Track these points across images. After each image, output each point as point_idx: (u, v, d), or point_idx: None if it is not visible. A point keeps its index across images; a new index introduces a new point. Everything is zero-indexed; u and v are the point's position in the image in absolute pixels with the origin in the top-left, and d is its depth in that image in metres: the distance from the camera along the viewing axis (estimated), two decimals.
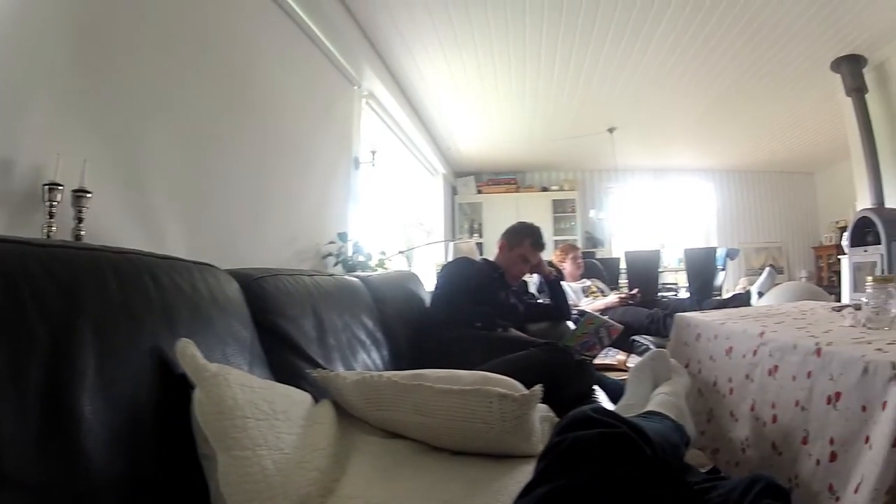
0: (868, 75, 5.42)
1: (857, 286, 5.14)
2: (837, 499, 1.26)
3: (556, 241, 8.35)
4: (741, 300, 4.49)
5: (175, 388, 0.98)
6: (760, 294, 4.47)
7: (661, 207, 10.21)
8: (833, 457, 1.30)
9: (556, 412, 1.54)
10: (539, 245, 3.08)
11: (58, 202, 1.45)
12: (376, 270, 3.56)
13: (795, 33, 4.69)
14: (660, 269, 6.81)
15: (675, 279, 8.53)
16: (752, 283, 5.04)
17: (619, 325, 2.86)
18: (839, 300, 4.94)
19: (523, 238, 3.04)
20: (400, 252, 4.61)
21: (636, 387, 1.83)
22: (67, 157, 1.47)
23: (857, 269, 5.38)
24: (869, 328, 1.66)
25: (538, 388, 1.26)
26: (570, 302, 4.15)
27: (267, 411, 1.04)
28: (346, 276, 2.21)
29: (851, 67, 5.28)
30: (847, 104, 5.58)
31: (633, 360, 3.42)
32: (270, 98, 2.93)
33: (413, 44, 4.55)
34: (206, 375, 0.96)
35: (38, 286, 0.83)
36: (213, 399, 0.95)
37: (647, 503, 0.93)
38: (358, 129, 4.28)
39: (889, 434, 1.09)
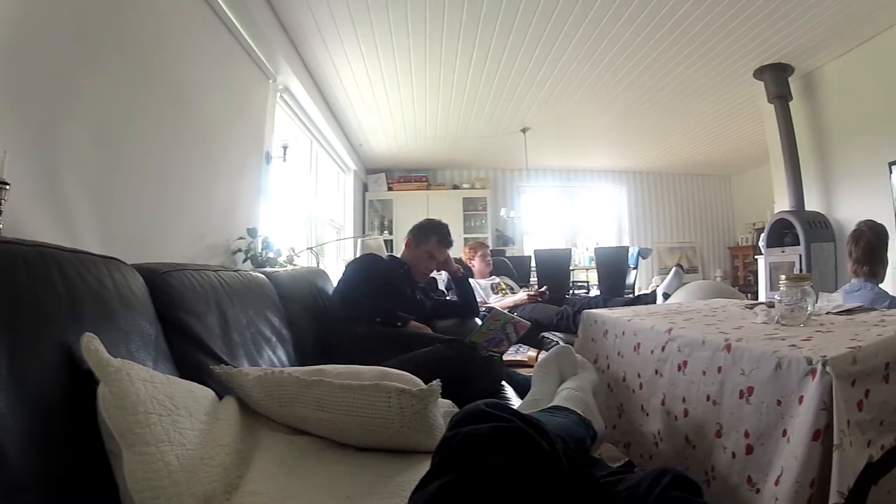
0: (794, 83, 5.60)
1: (773, 285, 5.35)
2: (758, 490, 1.29)
3: (466, 238, 8.43)
4: (648, 300, 4.52)
5: (83, 384, 0.97)
6: (666, 295, 4.50)
7: (574, 207, 10.35)
8: (749, 450, 1.34)
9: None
10: (446, 242, 3.10)
11: None
12: (285, 267, 3.53)
13: (717, 43, 4.85)
14: (571, 268, 6.87)
15: (587, 277, 8.62)
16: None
17: (526, 321, 2.85)
18: (756, 299, 5.04)
19: (430, 235, 3.06)
20: (309, 248, 4.57)
21: (542, 382, 1.83)
22: None
23: (774, 269, 5.58)
24: (783, 325, 1.72)
25: (436, 383, 1.28)
26: (479, 299, 4.19)
27: (169, 407, 1.03)
28: (252, 273, 2.15)
29: (776, 75, 5.47)
30: (769, 111, 5.77)
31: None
32: (186, 89, 2.87)
33: (331, 39, 4.54)
34: (110, 370, 0.95)
35: None
36: (117, 394, 0.94)
37: (542, 497, 0.93)
38: (271, 123, 4.25)
39: (808, 428, 1.14)
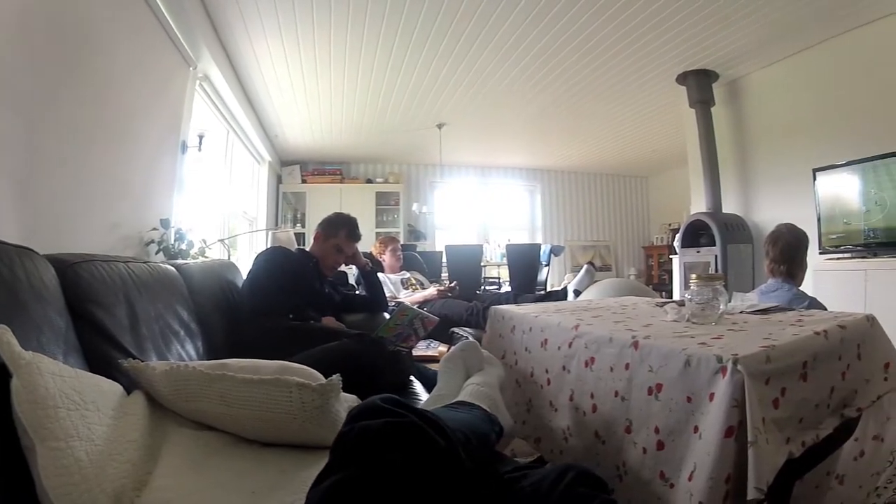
0: (718, 89, 5.75)
1: (687, 284, 5.39)
2: (672, 486, 1.29)
3: (378, 233, 8.43)
4: (559, 296, 4.55)
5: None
6: (577, 292, 4.47)
7: (488, 204, 10.42)
8: (660, 445, 1.34)
9: None
10: (354, 236, 3.11)
11: None
12: (197, 259, 3.45)
13: (638, 49, 4.98)
14: (482, 264, 6.95)
15: (499, 274, 8.64)
16: None
17: (434, 317, 2.84)
18: (671, 297, 5.09)
19: (339, 228, 3.07)
20: (220, 240, 4.50)
21: (448, 378, 1.83)
22: None
23: (689, 269, 5.68)
24: (693, 323, 1.74)
25: (336, 377, 1.28)
26: (389, 294, 4.22)
27: (77, 401, 1.02)
28: (162, 265, 2.10)
29: (699, 81, 5.59)
30: (690, 115, 5.89)
31: None
32: (107, 74, 2.77)
33: (253, 25, 4.48)
34: (21, 363, 0.94)
35: None
36: (28, 388, 0.93)
37: (439, 493, 0.92)
38: (189, 111, 4.16)
39: (720, 425, 1.14)
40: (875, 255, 4.37)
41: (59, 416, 0.96)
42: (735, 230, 5.53)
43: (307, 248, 3.23)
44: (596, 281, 4.76)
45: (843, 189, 4.70)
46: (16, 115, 2.00)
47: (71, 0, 2.40)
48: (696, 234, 5.77)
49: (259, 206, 7.73)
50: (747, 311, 1.98)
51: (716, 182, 5.76)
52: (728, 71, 5.62)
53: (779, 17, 4.44)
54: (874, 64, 4.58)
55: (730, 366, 1.17)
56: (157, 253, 3.27)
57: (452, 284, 4.77)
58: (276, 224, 8.46)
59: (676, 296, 6.03)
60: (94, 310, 1.47)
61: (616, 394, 1.53)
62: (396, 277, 4.82)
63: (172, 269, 2.17)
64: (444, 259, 6.02)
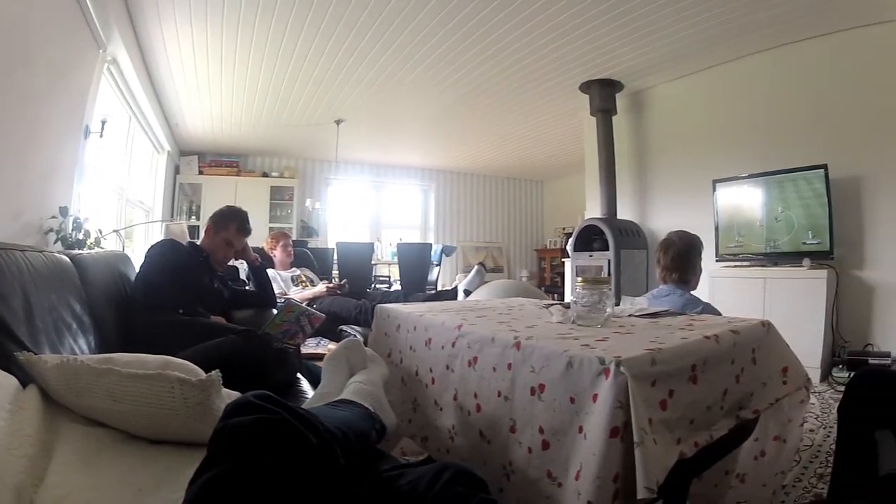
0: (622, 99, 5.92)
1: None
2: (560, 485, 1.29)
3: (271, 227, 8.38)
4: (448, 296, 4.63)
5: None
6: (468, 292, 4.52)
7: (381, 202, 10.46)
8: (545, 445, 1.34)
9: None
10: (244, 230, 3.11)
11: None
12: (92, 250, 3.37)
13: (542, 57, 5.14)
14: (373, 262, 7.01)
15: (390, 272, 8.70)
16: None
17: (321, 314, 2.81)
18: (562, 299, 5.07)
19: (229, 222, 3.06)
20: (115, 231, 4.38)
21: (331, 375, 1.83)
22: None
23: (581, 272, 5.78)
24: (579, 325, 1.74)
25: (215, 373, 1.29)
26: (280, 290, 4.27)
27: None
28: (56, 255, 2.03)
29: (603, 90, 5.74)
30: (590, 122, 6.04)
31: None
32: (14, 50, 2.66)
33: (165, 9, 4.41)
34: None
35: None
36: None
37: (311, 490, 0.94)
38: (94, 95, 4.05)
39: (605, 425, 1.15)
40: (776, 265, 4.62)
41: None
42: (629, 236, 5.72)
43: (199, 242, 3.17)
44: (486, 282, 4.83)
45: (744, 200, 4.95)
46: None
47: None
48: (589, 239, 5.93)
49: (156, 197, 7.57)
50: (636, 314, 2.00)
51: (612, 188, 5.93)
52: (633, 82, 5.81)
53: (687, 35, 4.66)
54: (775, 86, 4.88)
55: (612, 367, 1.18)
56: (55, 242, 3.19)
57: (342, 282, 4.82)
58: (172, 215, 8.30)
59: (568, 298, 6.14)
60: None
61: (499, 394, 1.54)
62: (287, 274, 4.84)
63: (67, 259, 2.11)
64: (336, 256, 6.03)
